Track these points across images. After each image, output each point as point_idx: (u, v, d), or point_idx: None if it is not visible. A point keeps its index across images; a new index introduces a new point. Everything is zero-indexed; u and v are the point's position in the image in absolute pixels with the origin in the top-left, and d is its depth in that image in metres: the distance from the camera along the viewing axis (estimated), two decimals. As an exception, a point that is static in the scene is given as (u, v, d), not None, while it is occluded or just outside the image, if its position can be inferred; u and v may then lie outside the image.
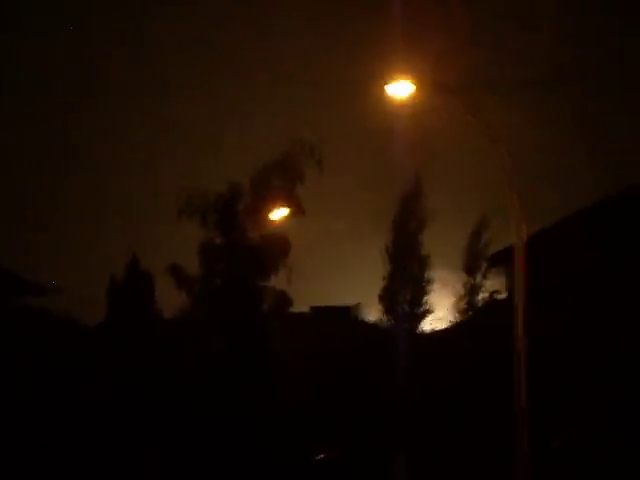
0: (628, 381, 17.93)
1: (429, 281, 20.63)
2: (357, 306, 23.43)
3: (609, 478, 16.56)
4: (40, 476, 18.99)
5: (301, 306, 22.24)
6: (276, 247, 19.94)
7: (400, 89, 13.93)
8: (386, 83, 13.61)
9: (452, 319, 20.20)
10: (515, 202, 13.33)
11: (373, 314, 21.65)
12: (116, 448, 19.37)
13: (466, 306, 20.02)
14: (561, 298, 19.71)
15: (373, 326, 21.99)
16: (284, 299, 20.23)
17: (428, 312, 20.58)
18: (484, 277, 20.29)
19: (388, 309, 21.27)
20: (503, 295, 19.57)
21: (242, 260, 19.82)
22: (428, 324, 20.60)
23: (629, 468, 16.84)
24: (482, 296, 20.20)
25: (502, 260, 19.84)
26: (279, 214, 19.79)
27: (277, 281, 20.12)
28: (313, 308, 24.21)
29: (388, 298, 21.32)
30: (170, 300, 20.15)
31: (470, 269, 20.32)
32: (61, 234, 27.85)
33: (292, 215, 19.74)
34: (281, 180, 19.89)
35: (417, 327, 20.49)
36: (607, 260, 19.22)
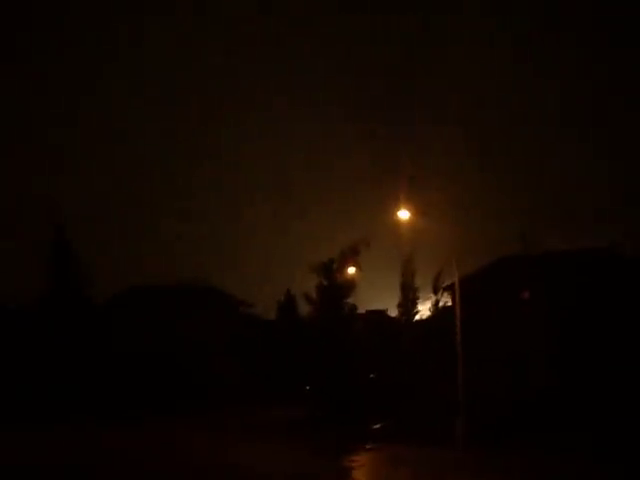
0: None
1: (418, 298, 44.71)
2: (386, 309, 47.98)
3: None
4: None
5: (361, 310, 46.44)
6: (350, 284, 43.34)
7: (403, 214, 35.56)
8: (397, 210, 35.34)
9: (428, 314, 44.54)
10: (454, 265, 32.85)
11: (393, 312, 45.88)
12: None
13: (434, 309, 43.93)
14: (478, 308, 39.20)
15: (393, 318, 46.50)
16: (354, 307, 43.54)
17: (417, 312, 44.66)
18: (442, 295, 44.06)
19: (401, 311, 45.45)
20: (450, 304, 42.83)
21: (335, 290, 43.57)
22: (417, 317, 44.77)
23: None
24: (441, 304, 44.02)
25: (449, 288, 42.36)
26: (351, 270, 43.53)
27: (351, 299, 43.42)
28: (367, 311, 48.50)
29: (401, 306, 45.45)
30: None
31: (435, 292, 44.06)
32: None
33: (357, 270, 43.60)
34: (352, 254, 43.54)
35: (413, 318, 44.56)
36: (504, 292, 40.97)
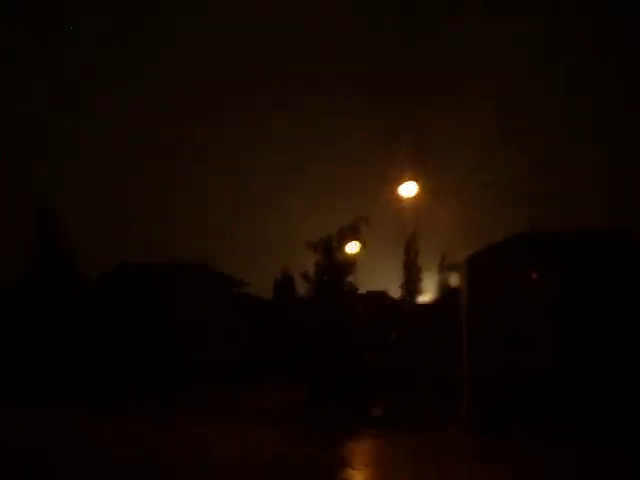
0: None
1: (422, 278, 42.72)
2: (388, 290, 45.96)
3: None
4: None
5: (362, 290, 43.88)
6: (350, 263, 40.72)
7: (407, 190, 33.89)
8: (400, 183, 33.75)
9: (432, 295, 42.64)
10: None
11: (395, 293, 43.88)
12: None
13: (439, 289, 42.01)
14: (486, 288, 39.57)
15: (395, 299, 44.45)
16: (354, 287, 40.72)
17: (421, 292, 42.66)
18: (447, 275, 42.13)
19: (404, 292, 43.50)
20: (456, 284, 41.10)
21: (334, 269, 41.27)
22: (421, 298, 42.83)
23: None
24: (447, 284, 42.14)
25: (456, 267, 40.56)
26: (351, 248, 40.85)
27: (351, 278, 40.48)
28: (368, 291, 46.44)
29: (404, 286, 43.52)
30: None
31: (441, 271, 42.20)
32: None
33: (357, 249, 41.14)
34: (351, 232, 41.27)
35: (416, 299, 42.59)
36: (513, 271, 39.22)
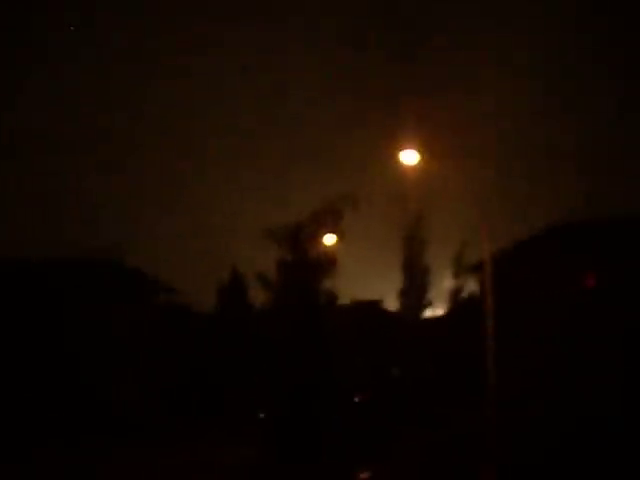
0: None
1: (429, 283, 31.64)
2: (382, 300, 34.74)
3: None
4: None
5: (344, 300, 33.16)
6: (328, 261, 29.93)
7: (409, 156, 23.98)
8: (399, 151, 23.78)
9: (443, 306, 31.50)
10: (484, 234, 23.36)
11: (392, 306, 32.98)
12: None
13: (453, 299, 30.90)
14: (519, 299, 29.84)
15: (393, 313, 33.37)
16: (333, 295, 30.71)
17: (428, 304, 31.60)
18: (465, 280, 31.10)
19: (404, 302, 32.22)
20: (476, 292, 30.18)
21: (305, 269, 30.01)
22: (429, 312, 31.83)
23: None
24: (465, 293, 31.08)
25: (476, 269, 30.21)
26: (329, 239, 29.56)
27: (329, 282, 30.30)
28: (354, 302, 35.35)
29: (405, 295, 32.27)
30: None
31: (456, 275, 31.02)
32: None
33: (338, 240, 30.02)
34: (330, 217, 30.23)
35: (421, 312, 31.57)
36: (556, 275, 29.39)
